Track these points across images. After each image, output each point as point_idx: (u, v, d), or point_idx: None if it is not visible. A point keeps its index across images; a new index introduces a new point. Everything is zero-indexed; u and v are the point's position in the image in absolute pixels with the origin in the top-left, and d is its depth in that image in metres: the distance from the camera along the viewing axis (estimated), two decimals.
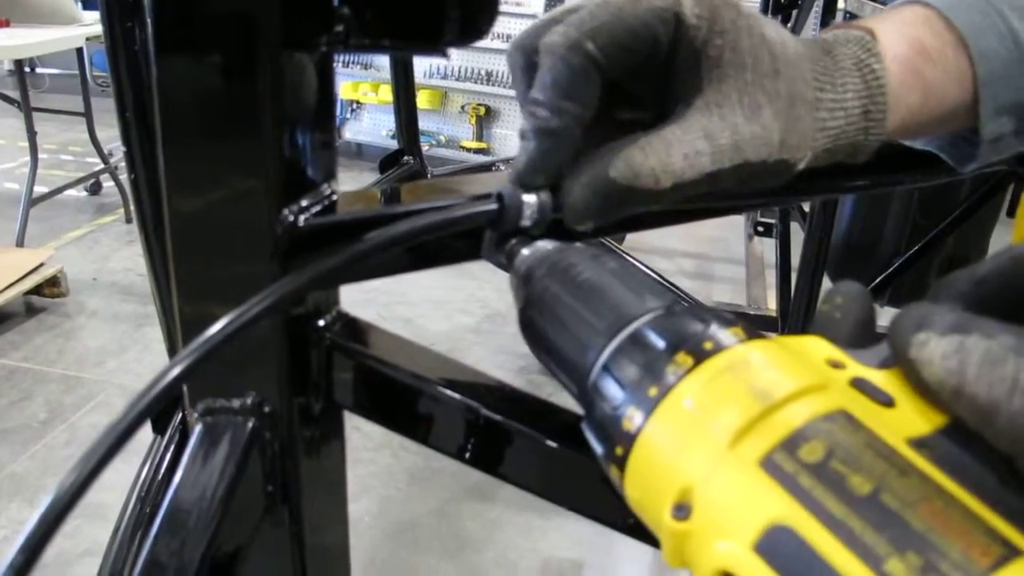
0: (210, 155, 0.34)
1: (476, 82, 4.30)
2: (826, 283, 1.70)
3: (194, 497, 0.36)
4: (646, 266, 1.89)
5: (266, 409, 0.37)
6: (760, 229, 2.65)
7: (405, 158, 1.79)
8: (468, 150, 4.38)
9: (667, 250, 3.41)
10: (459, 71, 4.31)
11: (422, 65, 4.22)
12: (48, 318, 2.52)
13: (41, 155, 3.21)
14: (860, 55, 0.39)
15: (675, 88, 0.36)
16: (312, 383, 0.39)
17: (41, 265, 2.52)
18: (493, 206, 0.35)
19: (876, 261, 1.69)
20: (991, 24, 0.39)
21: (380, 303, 2.73)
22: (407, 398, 0.39)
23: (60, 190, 3.28)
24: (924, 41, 0.39)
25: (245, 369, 0.37)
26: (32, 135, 3.05)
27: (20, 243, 2.88)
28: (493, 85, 4.30)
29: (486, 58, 4.25)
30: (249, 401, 0.37)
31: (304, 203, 0.35)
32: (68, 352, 2.35)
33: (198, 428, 0.37)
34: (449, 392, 0.38)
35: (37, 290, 2.51)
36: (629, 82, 0.37)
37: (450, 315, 2.71)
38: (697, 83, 0.36)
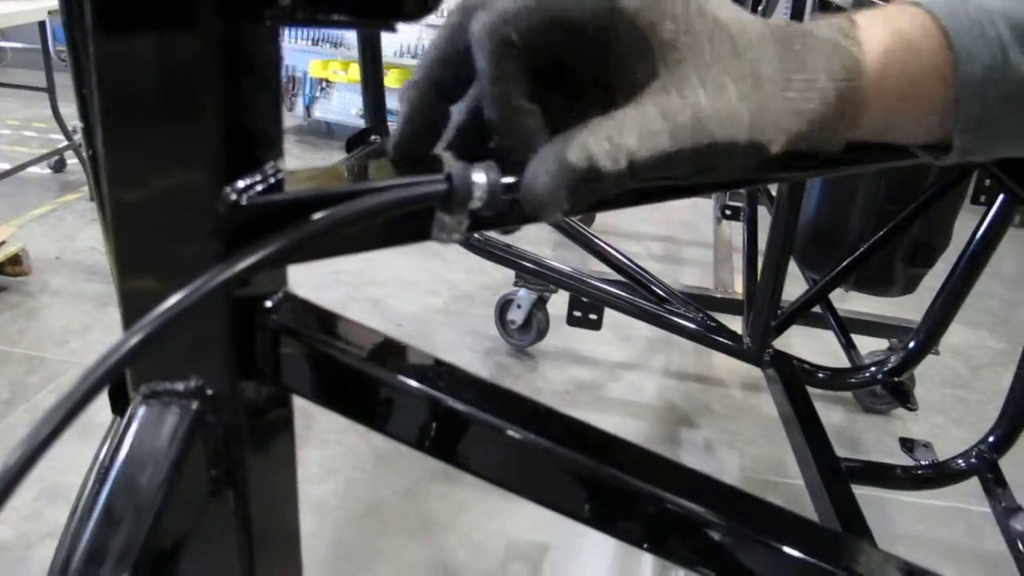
0: (149, 131, 0.33)
1: None
2: (792, 267, 1.71)
3: (136, 481, 0.35)
4: (615, 249, 1.89)
5: (209, 392, 0.36)
6: (727, 213, 2.66)
7: (372, 137, 1.78)
8: None
9: (637, 234, 3.42)
10: None
11: (392, 44, 4.18)
12: (10, 297, 2.48)
13: (3, 131, 3.15)
14: (836, 39, 0.39)
15: (629, 75, 0.36)
16: (258, 367, 0.38)
17: (3, 243, 2.47)
18: (441, 186, 0.34)
19: (842, 246, 1.69)
20: (980, 30, 0.38)
21: (349, 284, 2.71)
22: (356, 383, 0.38)
23: (23, 167, 3.22)
24: (908, 35, 0.39)
25: (188, 352, 0.36)
26: None
27: None
28: None
29: None
30: (192, 384, 0.36)
31: (248, 181, 0.34)
32: (30, 332, 2.31)
33: (141, 411, 0.37)
34: (400, 377, 0.38)
35: None
36: (582, 71, 0.37)
37: (419, 296, 2.70)
38: (651, 68, 0.35)
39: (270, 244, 0.32)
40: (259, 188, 0.35)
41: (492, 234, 2.01)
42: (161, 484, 0.35)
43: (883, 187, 1.65)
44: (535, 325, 2.35)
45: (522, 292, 2.32)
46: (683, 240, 3.42)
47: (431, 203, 0.35)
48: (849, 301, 2.06)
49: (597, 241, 1.94)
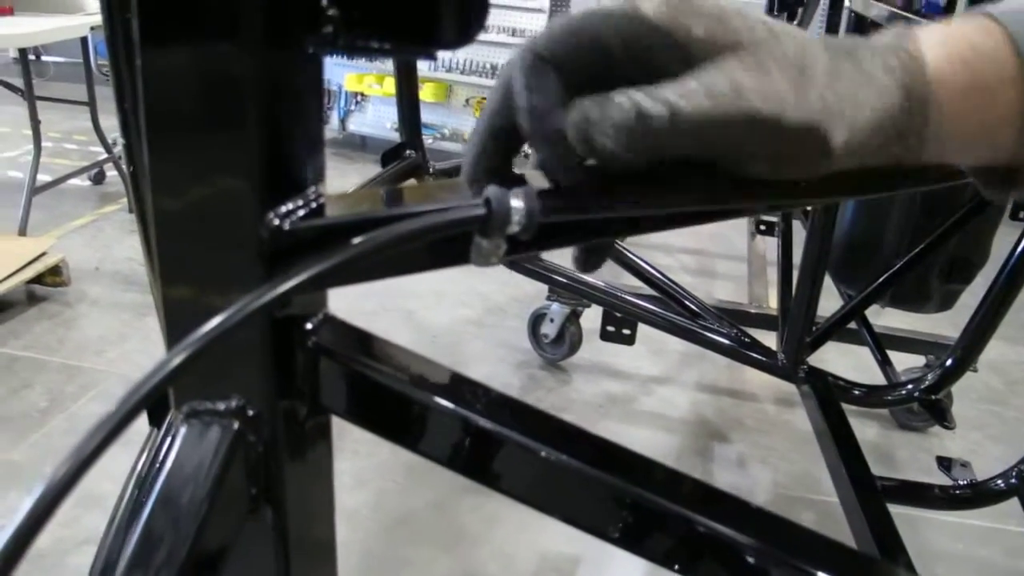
0: (194, 156, 0.34)
1: (481, 75, 4.29)
2: (828, 283, 1.69)
3: (177, 497, 0.36)
4: (647, 263, 1.89)
5: (250, 412, 0.37)
6: (762, 228, 2.64)
7: (407, 151, 1.79)
8: None
9: (668, 246, 3.41)
10: (464, 64, 4.29)
11: None
12: (49, 307, 2.53)
13: (45, 143, 3.21)
14: (891, 41, 0.37)
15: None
16: (297, 387, 0.38)
17: (43, 254, 2.52)
18: (480, 211, 0.35)
19: (878, 261, 1.68)
20: None
21: (382, 294, 2.73)
22: (393, 404, 0.39)
23: (64, 179, 3.28)
24: (972, 38, 0.37)
25: (229, 372, 0.37)
26: (36, 123, 3.05)
27: (23, 232, 2.88)
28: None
29: (491, 52, 4.23)
30: (233, 404, 0.37)
31: (290, 206, 0.35)
32: (69, 341, 2.35)
33: (183, 429, 0.37)
34: (437, 398, 0.38)
35: (39, 279, 2.51)
36: (621, 83, 0.37)
37: (452, 308, 2.71)
38: (689, 64, 0.35)
39: (310, 267, 0.33)
40: (301, 213, 0.35)
41: None
42: (203, 500, 0.35)
43: (919, 202, 1.64)
44: (568, 339, 2.35)
45: (555, 306, 2.32)
46: (715, 253, 3.40)
47: (469, 228, 0.35)
48: (885, 317, 2.04)
49: (629, 254, 1.94)
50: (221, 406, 0.37)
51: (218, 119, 0.33)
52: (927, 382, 1.63)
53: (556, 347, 2.36)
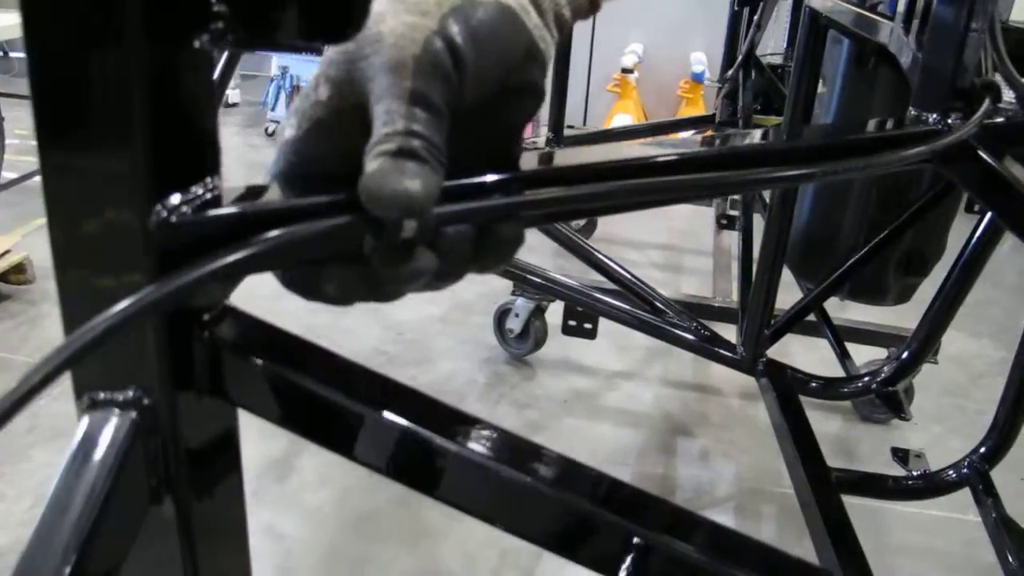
0: (82, 150, 0.34)
1: None
2: (786, 275, 1.71)
3: (75, 489, 0.36)
4: (609, 258, 1.90)
5: (146, 402, 0.37)
6: (724, 222, 2.66)
7: None
8: None
9: (638, 242, 3.43)
10: None
11: None
12: (12, 305, 2.50)
13: (11, 140, 3.18)
14: None
15: None
16: (195, 378, 0.39)
17: (7, 252, 2.50)
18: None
19: (835, 255, 1.70)
20: None
21: None
22: (291, 394, 0.39)
23: (29, 176, 3.25)
24: None
25: (126, 363, 0.37)
26: (0, 120, 3.02)
27: None
28: None
29: None
30: (131, 394, 0.37)
31: (179, 199, 0.35)
32: (32, 340, 2.33)
33: (84, 420, 0.38)
34: (333, 389, 0.39)
35: (3, 277, 2.49)
36: None
37: (418, 305, 2.71)
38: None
39: (194, 270, 0.33)
40: (193, 206, 0.36)
41: None
42: (100, 490, 0.36)
43: (874, 195, 1.66)
44: (533, 334, 2.35)
45: (520, 301, 2.33)
46: (684, 248, 3.43)
47: (360, 236, 0.36)
48: (853, 311, 2.06)
49: (590, 250, 1.95)
50: (119, 397, 0.37)
51: (102, 114, 0.33)
52: (884, 374, 1.65)
53: (521, 342, 2.37)
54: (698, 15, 4.82)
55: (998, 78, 0.75)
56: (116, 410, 0.37)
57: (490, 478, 0.39)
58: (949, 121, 0.64)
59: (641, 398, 2.29)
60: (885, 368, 1.65)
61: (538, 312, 2.34)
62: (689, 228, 3.58)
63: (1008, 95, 0.74)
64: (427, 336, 2.54)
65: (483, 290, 2.80)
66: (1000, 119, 0.68)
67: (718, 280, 2.55)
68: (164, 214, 0.35)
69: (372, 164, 0.35)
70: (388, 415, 0.39)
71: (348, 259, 0.38)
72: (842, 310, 2.14)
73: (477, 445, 0.39)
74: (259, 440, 1.91)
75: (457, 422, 0.39)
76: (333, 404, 0.39)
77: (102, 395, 0.38)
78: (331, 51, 0.38)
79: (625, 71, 4.57)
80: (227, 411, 0.41)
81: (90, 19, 0.32)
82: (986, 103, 0.65)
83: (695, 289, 2.77)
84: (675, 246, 3.46)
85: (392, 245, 0.37)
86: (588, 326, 2.07)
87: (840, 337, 1.82)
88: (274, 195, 0.39)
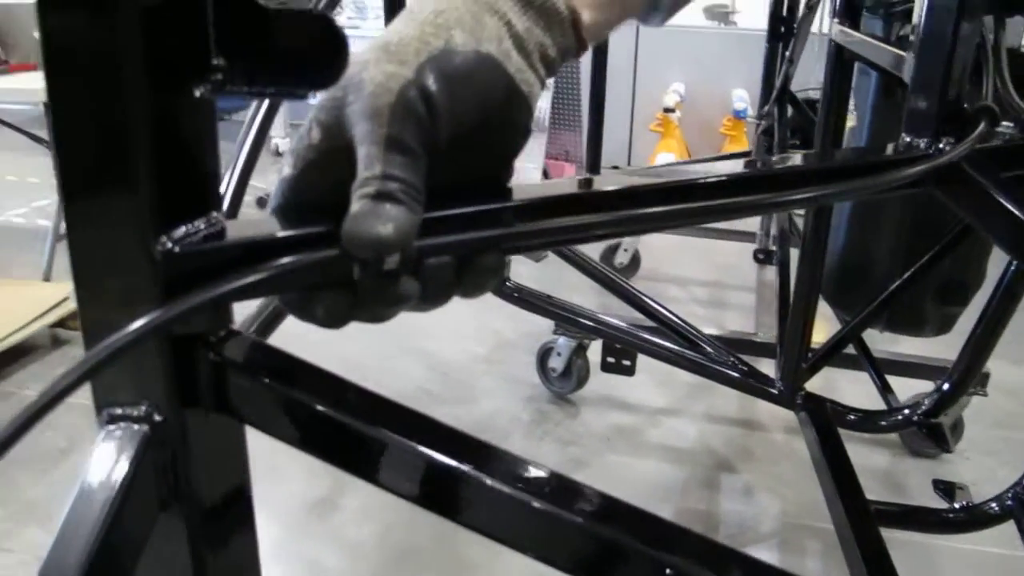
0: (94, 188, 0.38)
1: None
2: (823, 307, 1.70)
3: (92, 496, 0.40)
4: (652, 300, 1.90)
5: (157, 418, 0.41)
6: (761, 257, 2.66)
7: None
8: None
9: (682, 279, 3.43)
10: None
11: None
12: (72, 350, 2.61)
13: None
14: None
15: None
16: (201, 396, 0.42)
17: (66, 299, 2.61)
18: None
19: (871, 284, 1.69)
20: None
21: (400, 335, 2.77)
22: (292, 411, 0.43)
23: None
24: None
25: (138, 382, 0.41)
26: None
27: (47, 277, 2.97)
28: None
29: None
30: (143, 410, 0.41)
31: (183, 231, 0.39)
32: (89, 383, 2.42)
33: (102, 432, 0.42)
34: (329, 406, 0.42)
35: (62, 323, 2.60)
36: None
37: (464, 344, 2.75)
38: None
39: (196, 296, 0.37)
40: (195, 238, 0.40)
41: (529, 283, 2.06)
42: (113, 499, 0.39)
43: (909, 222, 1.65)
44: (575, 372, 2.37)
45: (561, 340, 2.35)
46: (728, 284, 3.41)
47: (348, 268, 0.40)
48: (883, 343, 2.04)
49: (630, 288, 1.97)
50: (133, 412, 0.41)
51: (112, 156, 0.37)
52: (924, 407, 1.63)
53: (564, 381, 2.39)
54: (737, 52, 4.85)
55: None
56: (130, 424, 0.41)
57: (491, 493, 0.42)
58: (941, 145, 0.66)
59: (684, 434, 2.29)
60: (926, 400, 1.63)
61: (580, 350, 2.36)
62: (733, 263, 3.57)
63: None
64: (471, 375, 2.57)
65: (527, 329, 2.83)
66: (997, 142, 0.69)
67: (761, 315, 2.54)
68: (169, 245, 0.39)
69: (354, 206, 0.39)
70: (378, 429, 0.42)
71: (338, 285, 0.41)
72: (895, 343, 2.11)
73: (440, 444, 0.42)
74: (305, 479, 1.95)
75: (437, 430, 0.42)
76: (327, 418, 0.42)
77: (118, 411, 0.42)
78: (322, 97, 0.42)
79: (667, 110, 4.61)
80: (233, 426, 0.45)
81: (99, 75, 0.36)
82: (981, 127, 0.67)
83: (739, 325, 2.77)
84: (719, 282, 3.45)
85: (377, 274, 0.40)
86: (627, 363, 2.08)
87: (880, 369, 1.80)
88: (273, 227, 0.42)
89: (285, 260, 0.39)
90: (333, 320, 0.42)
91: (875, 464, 2.18)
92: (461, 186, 0.45)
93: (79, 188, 0.39)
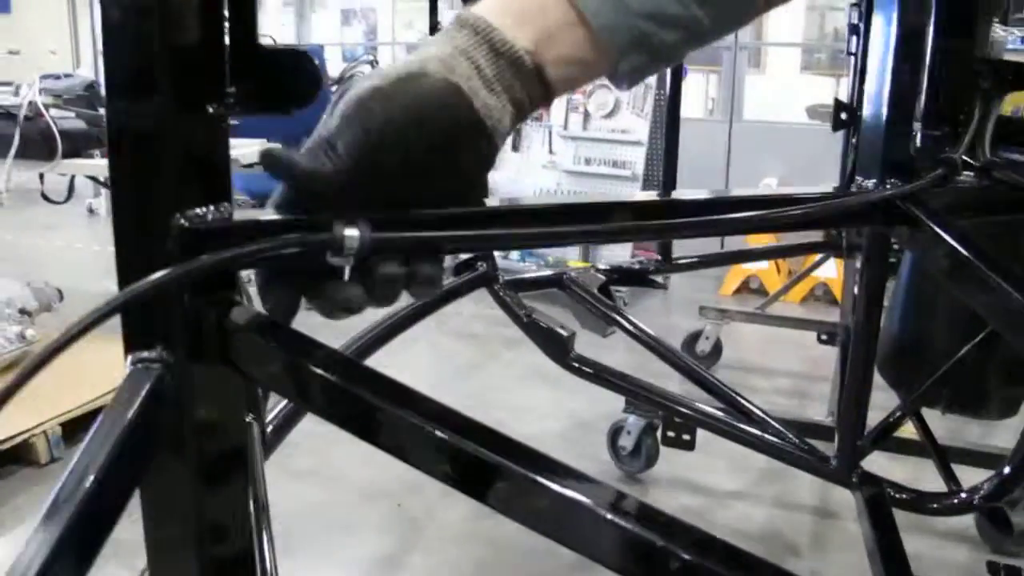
0: (134, 177, 0.51)
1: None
2: (879, 381, 1.70)
3: (115, 417, 0.51)
4: (736, 392, 1.92)
5: (170, 361, 0.53)
6: (824, 338, 2.65)
7: (479, 263, 1.97)
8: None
9: (769, 370, 3.42)
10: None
11: None
12: None
13: None
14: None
15: None
16: (207, 349, 0.53)
17: None
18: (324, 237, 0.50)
19: (928, 361, 1.67)
20: None
21: (475, 408, 2.85)
22: (281, 368, 0.53)
23: None
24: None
25: (158, 333, 0.53)
26: None
27: None
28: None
29: (595, 183, 4.38)
30: (159, 354, 0.53)
31: (198, 212, 0.51)
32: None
33: (127, 372, 0.53)
34: (316, 366, 0.51)
35: None
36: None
37: (539, 421, 2.82)
38: None
39: (196, 262, 0.49)
40: (207, 218, 0.52)
41: (604, 361, 2.13)
42: (124, 431, 0.50)
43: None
44: (644, 451, 2.40)
45: (631, 418, 2.40)
46: (816, 375, 3.37)
47: (320, 251, 0.51)
48: (945, 423, 2.00)
49: (695, 368, 2.01)
50: (152, 356, 0.53)
51: (149, 155, 0.50)
52: (984, 490, 1.60)
53: (633, 459, 2.42)
54: (832, 147, 4.88)
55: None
56: (148, 365, 0.53)
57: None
58: (886, 186, 0.73)
59: (754, 518, 2.27)
60: (986, 484, 1.60)
61: (649, 430, 2.39)
62: (826, 353, 3.54)
63: None
64: (546, 450, 2.61)
65: (605, 410, 2.88)
66: (952, 187, 0.76)
67: (836, 402, 2.52)
68: (183, 223, 0.51)
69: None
70: (357, 387, 0.51)
71: (294, 272, 0.53)
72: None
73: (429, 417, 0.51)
74: (377, 534, 2.04)
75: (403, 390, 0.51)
76: (314, 376, 0.52)
77: (143, 354, 0.53)
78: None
79: None
80: (233, 378, 0.56)
81: (142, 97, 0.49)
82: (935, 173, 0.74)
83: (821, 414, 2.74)
84: (806, 373, 3.41)
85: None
86: (686, 437, 2.11)
87: (943, 451, 1.77)
88: (266, 217, 0.54)
89: (266, 241, 0.50)
90: (287, 308, 0.55)
91: (955, 560, 2.11)
92: (428, 199, 0.55)
93: (123, 177, 0.52)
